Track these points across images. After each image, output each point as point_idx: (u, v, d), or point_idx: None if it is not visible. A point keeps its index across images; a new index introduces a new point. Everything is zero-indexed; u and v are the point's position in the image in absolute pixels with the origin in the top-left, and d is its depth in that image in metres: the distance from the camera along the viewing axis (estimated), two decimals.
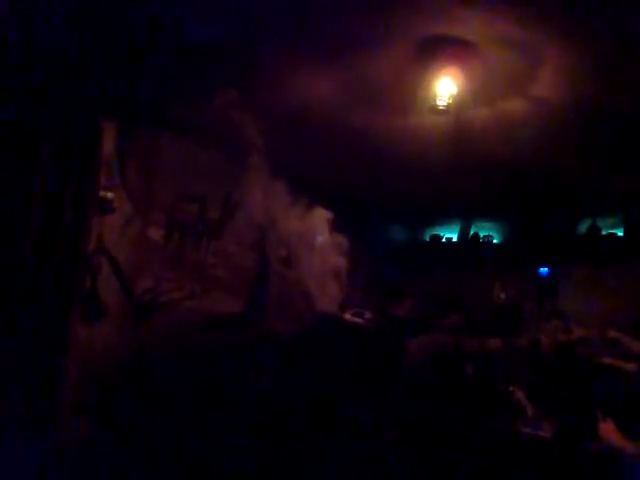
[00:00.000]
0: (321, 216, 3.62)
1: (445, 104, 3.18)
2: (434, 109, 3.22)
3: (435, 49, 2.90)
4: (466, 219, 6.39)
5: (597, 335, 3.93)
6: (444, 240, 6.71)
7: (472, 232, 6.44)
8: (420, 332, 4.18)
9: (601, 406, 2.93)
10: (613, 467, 2.64)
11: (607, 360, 3.48)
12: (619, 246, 5.42)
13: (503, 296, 5.34)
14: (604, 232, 5.61)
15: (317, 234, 3.58)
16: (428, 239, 6.80)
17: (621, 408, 2.97)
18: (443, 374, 3.30)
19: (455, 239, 6.58)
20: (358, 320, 3.14)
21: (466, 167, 4.40)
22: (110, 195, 3.17)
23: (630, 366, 3.37)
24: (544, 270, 5.88)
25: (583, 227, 5.70)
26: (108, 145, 3.18)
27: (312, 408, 2.75)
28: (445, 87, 3.13)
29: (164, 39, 2.69)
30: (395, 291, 5.55)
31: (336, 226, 3.64)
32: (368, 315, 3.18)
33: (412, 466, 2.67)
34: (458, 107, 3.26)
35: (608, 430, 2.83)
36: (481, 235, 6.43)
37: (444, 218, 6.45)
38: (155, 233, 3.74)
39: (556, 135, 3.78)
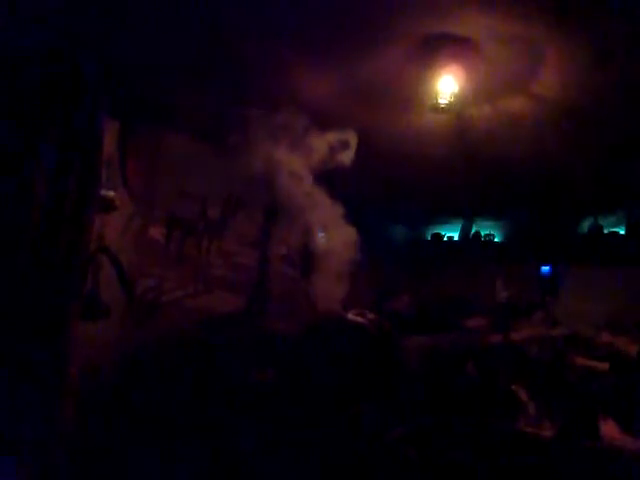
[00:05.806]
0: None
1: (446, 102, 3.18)
2: (436, 107, 3.22)
3: (437, 47, 2.90)
4: (467, 218, 6.39)
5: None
6: (445, 239, 6.71)
7: (473, 231, 6.44)
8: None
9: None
10: (614, 466, 2.63)
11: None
12: (621, 244, 5.41)
13: (505, 295, 5.33)
14: (606, 230, 5.60)
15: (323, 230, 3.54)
16: (429, 238, 6.80)
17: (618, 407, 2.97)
18: (444, 373, 3.29)
19: (456, 238, 6.58)
20: (360, 319, 3.14)
21: (467, 165, 4.40)
22: (111, 194, 3.16)
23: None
24: (545, 269, 5.87)
25: (585, 226, 5.69)
26: (110, 144, 3.18)
27: (312, 407, 2.75)
28: (446, 85, 3.13)
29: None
30: (392, 289, 5.52)
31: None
32: (370, 315, 3.18)
33: (413, 465, 2.67)
34: (459, 105, 3.26)
35: (609, 429, 2.83)
36: (482, 234, 6.43)
37: (445, 217, 6.45)
38: (156, 232, 3.74)
39: (557, 133, 3.77)
